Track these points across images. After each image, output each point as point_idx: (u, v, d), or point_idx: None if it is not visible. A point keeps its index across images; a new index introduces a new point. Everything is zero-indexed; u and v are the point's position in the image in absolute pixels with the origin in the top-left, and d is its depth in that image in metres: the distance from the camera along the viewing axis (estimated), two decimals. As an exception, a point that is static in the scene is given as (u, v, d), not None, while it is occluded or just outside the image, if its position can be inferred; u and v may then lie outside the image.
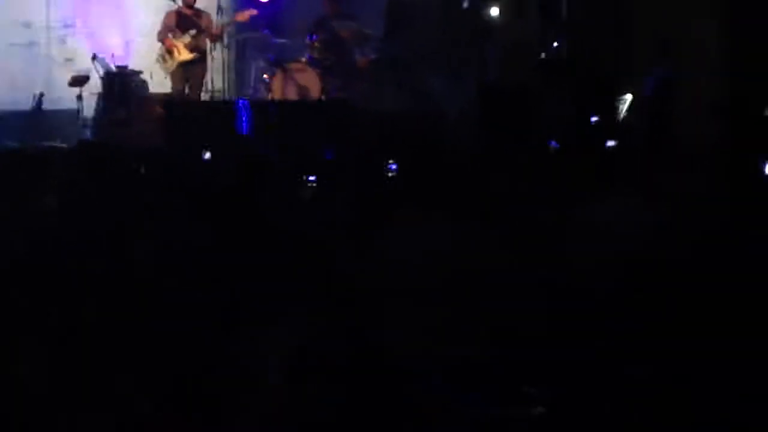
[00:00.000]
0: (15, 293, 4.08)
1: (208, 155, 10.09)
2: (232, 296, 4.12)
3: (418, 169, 5.50)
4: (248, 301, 4.07)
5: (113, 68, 14.37)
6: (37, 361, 3.60)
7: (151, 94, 14.62)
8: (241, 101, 13.04)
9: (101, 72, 14.28)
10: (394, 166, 6.26)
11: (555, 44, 13.10)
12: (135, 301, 4.03)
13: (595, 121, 11.00)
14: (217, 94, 14.77)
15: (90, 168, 6.72)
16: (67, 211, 5.70)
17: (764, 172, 6.71)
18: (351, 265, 4.30)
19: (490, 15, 14.28)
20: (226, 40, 14.80)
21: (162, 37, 14.16)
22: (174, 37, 14.02)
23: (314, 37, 14.28)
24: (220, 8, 14.80)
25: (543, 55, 13.20)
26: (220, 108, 13.62)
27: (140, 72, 14.65)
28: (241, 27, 14.95)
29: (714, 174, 6.26)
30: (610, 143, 9.44)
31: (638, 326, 3.94)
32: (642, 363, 3.75)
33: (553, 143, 8.99)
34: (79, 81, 14.23)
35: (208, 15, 14.34)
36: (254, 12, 14.47)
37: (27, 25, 15.48)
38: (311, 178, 7.23)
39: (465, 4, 14.20)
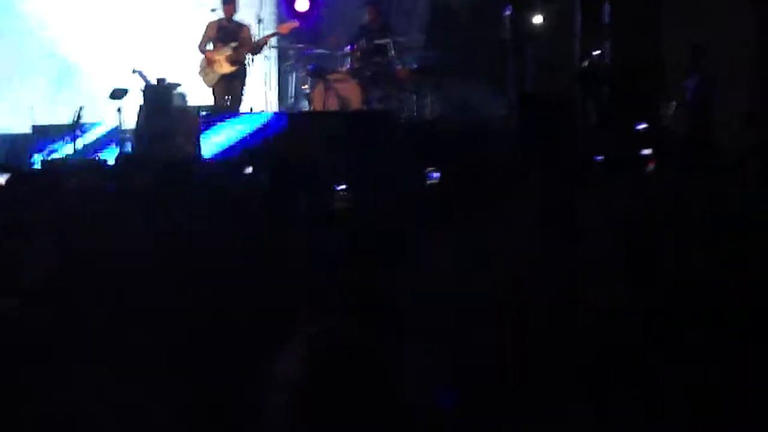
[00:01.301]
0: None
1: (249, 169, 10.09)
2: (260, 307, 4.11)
3: (458, 178, 5.48)
4: (281, 312, 4.06)
5: (153, 81, 14.41)
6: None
7: (191, 106, 14.69)
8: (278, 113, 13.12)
9: (141, 85, 14.32)
10: (435, 175, 6.25)
11: (596, 52, 13.05)
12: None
13: (637, 129, 10.95)
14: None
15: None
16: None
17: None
18: (392, 274, 4.29)
19: (530, 24, 14.26)
20: (266, 51, 14.82)
21: (203, 49, 14.18)
22: (215, 49, 14.03)
23: (353, 47, 14.30)
24: (260, 20, 14.82)
25: (584, 63, 13.16)
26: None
27: (179, 84, 14.70)
28: (282, 38, 14.96)
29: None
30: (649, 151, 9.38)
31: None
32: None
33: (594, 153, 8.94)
34: (119, 94, 14.28)
35: (248, 27, 14.34)
36: (296, 24, 14.47)
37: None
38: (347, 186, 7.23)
39: (505, 14, 14.17)
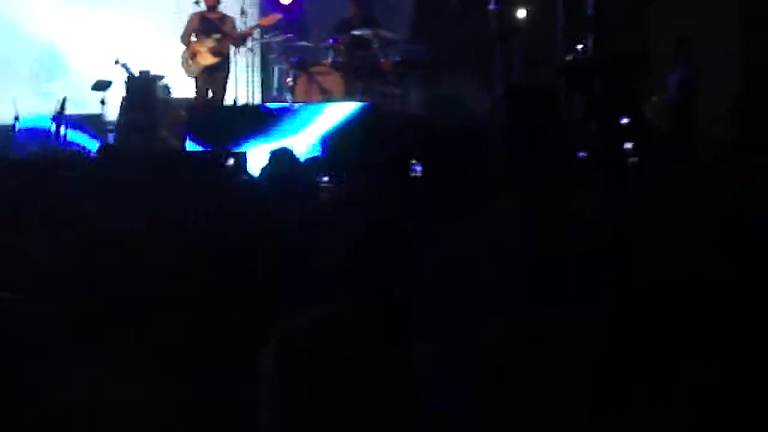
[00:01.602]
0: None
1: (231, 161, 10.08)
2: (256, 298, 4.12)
3: (442, 171, 5.48)
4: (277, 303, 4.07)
5: (136, 72, 14.37)
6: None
7: (175, 98, 14.68)
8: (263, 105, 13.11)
9: (124, 76, 14.29)
10: (418, 168, 6.26)
11: (579, 46, 13.09)
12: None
13: (620, 123, 10.99)
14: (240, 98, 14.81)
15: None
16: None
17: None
18: (380, 269, 4.29)
19: (515, 17, 14.29)
20: (249, 43, 14.80)
21: (186, 41, 14.15)
22: (198, 40, 14.01)
23: (337, 39, 14.29)
24: (244, 12, 14.81)
25: (568, 57, 13.20)
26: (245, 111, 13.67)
27: (162, 76, 14.69)
28: (265, 30, 14.92)
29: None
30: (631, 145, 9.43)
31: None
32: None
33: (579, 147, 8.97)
34: (103, 85, 14.26)
35: (232, 19, 14.31)
36: (279, 16, 14.46)
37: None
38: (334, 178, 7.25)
39: (490, 7, 14.19)
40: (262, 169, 6.85)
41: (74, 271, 4.18)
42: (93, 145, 13.42)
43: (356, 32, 14.17)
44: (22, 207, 5.75)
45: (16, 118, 14.15)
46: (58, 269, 4.23)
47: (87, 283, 4.03)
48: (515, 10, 14.32)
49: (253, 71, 15.32)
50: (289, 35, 14.83)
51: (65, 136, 13.67)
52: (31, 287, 4.00)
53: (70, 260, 4.35)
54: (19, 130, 13.94)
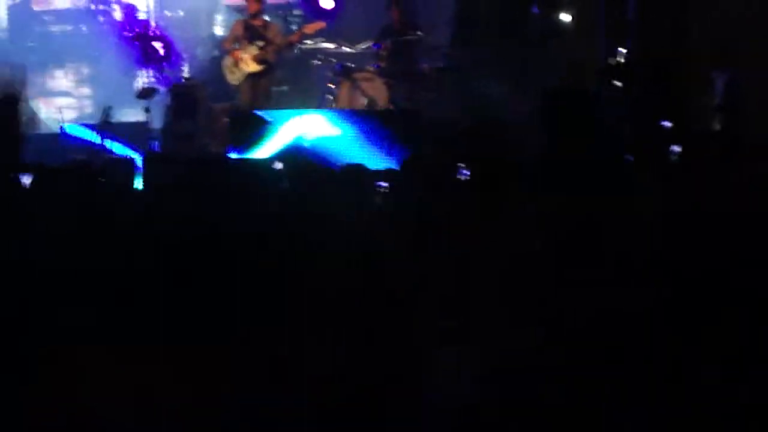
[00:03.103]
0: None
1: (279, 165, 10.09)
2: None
3: (485, 175, 5.49)
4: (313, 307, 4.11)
5: (181, 80, 14.47)
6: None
7: (219, 105, 14.75)
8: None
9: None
10: (465, 172, 6.28)
11: (620, 49, 13.03)
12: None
13: (662, 126, 10.94)
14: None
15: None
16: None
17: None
18: (421, 270, 4.32)
19: (556, 21, 14.25)
20: (293, 51, 14.86)
21: (229, 48, 14.22)
22: (241, 47, 14.07)
23: (379, 46, 14.33)
24: (287, 19, 14.87)
25: (609, 60, 13.14)
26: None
27: (207, 83, 14.77)
28: (308, 37, 14.95)
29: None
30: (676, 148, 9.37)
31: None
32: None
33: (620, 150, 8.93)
34: (147, 93, 14.34)
35: (275, 26, 14.38)
36: (323, 25, 14.48)
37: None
38: (382, 184, 7.26)
39: (530, 11, 14.18)
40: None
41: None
42: (137, 154, 13.50)
43: (398, 38, 14.21)
44: (60, 213, 5.81)
45: (62, 127, 14.25)
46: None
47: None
48: (556, 14, 14.29)
49: (295, 78, 15.40)
50: (332, 42, 14.90)
51: (110, 144, 13.75)
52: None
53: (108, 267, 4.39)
54: (64, 139, 14.03)
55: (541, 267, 4.30)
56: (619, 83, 12.54)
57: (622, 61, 13.01)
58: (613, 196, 5.42)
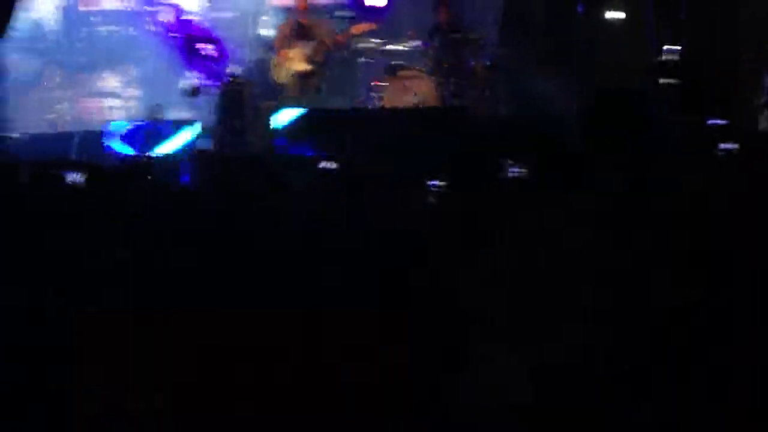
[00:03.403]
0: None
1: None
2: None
3: (534, 172, 5.47)
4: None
5: (229, 79, 14.48)
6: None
7: (267, 103, 14.77)
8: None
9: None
10: (515, 170, 6.26)
11: (670, 47, 12.95)
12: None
13: (713, 125, 10.86)
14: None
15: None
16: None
17: None
18: (473, 269, 4.30)
19: (605, 19, 14.18)
20: (341, 50, 14.87)
21: (278, 47, 14.25)
22: (290, 47, 14.09)
23: (427, 44, 14.32)
24: (335, 18, 14.88)
25: (658, 58, 13.06)
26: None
27: (254, 81, 14.79)
28: (356, 37, 14.94)
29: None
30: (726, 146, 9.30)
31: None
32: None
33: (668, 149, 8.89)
34: (195, 92, 14.38)
35: (323, 25, 14.39)
36: (372, 26, 14.47)
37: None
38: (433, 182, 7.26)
39: (578, 8, 14.11)
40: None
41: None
42: (184, 151, 13.54)
43: (446, 37, 14.19)
44: (113, 212, 5.83)
45: (109, 125, 14.32)
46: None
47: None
48: (604, 12, 14.22)
49: (342, 75, 15.41)
50: (379, 39, 14.90)
51: (157, 142, 13.80)
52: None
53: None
54: (111, 137, 14.09)
55: (595, 263, 4.29)
56: (668, 81, 12.47)
57: (672, 59, 12.94)
58: (664, 193, 5.38)
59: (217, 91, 14.43)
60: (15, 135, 14.37)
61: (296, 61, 14.04)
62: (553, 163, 5.46)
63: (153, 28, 16.30)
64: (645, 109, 11.14)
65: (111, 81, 16.65)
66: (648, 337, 3.91)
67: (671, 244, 4.70)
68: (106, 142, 14.00)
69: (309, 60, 14.02)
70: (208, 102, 14.44)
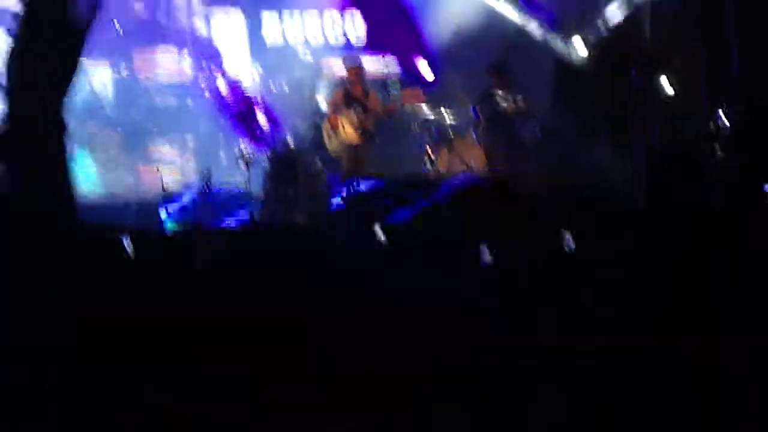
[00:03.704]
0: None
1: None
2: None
3: (590, 239, 5.45)
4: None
5: (281, 147, 14.55)
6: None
7: (318, 171, 14.80)
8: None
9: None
10: (568, 238, 6.24)
11: (723, 113, 12.89)
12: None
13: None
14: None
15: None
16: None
17: None
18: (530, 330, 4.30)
19: (657, 84, 14.16)
20: (392, 118, 14.91)
21: (329, 116, 14.31)
22: (341, 115, 14.14)
23: (478, 111, 14.33)
24: (386, 86, 14.94)
25: (711, 124, 13.00)
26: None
27: (306, 148, 14.85)
28: (407, 105, 14.97)
29: None
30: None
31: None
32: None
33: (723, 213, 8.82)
34: (247, 160, 14.43)
35: (374, 94, 14.43)
36: (421, 93, 14.51)
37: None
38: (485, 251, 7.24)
39: (630, 75, 14.11)
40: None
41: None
42: (236, 219, 13.58)
43: (497, 105, 14.20)
44: (159, 281, 5.84)
45: (164, 194, 14.39)
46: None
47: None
48: (656, 77, 14.20)
49: (392, 142, 15.45)
50: (430, 107, 14.93)
51: (209, 209, 13.85)
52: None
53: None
54: (165, 205, 14.15)
55: (654, 323, 4.29)
56: (721, 146, 12.40)
57: (724, 123, 12.87)
58: (722, 256, 5.35)
59: (270, 160, 14.49)
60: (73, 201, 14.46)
61: (347, 130, 14.08)
62: (607, 228, 5.43)
63: (208, 98, 16.47)
64: (699, 174, 11.09)
65: (166, 149, 16.80)
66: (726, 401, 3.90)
67: (730, 307, 4.69)
68: (160, 210, 14.07)
69: (359, 128, 14.05)
70: (261, 170, 14.49)
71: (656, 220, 7.11)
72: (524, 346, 4.21)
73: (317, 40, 17.59)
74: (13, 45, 1.43)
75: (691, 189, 9.65)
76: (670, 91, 14.20)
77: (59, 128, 1.49)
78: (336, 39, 17.60)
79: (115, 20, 16.22)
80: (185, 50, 17.24)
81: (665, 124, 14.12)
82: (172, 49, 17.32)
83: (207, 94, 16.72)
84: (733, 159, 12.08)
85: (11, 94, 1.44)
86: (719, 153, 12.14)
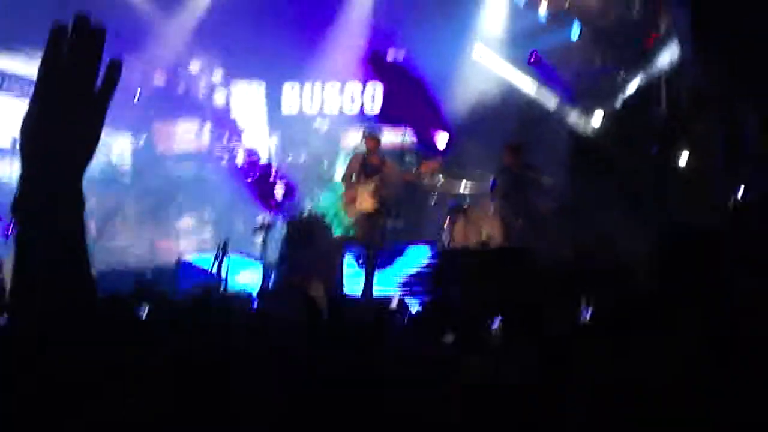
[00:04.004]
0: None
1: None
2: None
3: (605, 313, 5.43)
4: None
5: (298, 215, 14.62)
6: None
7: (335, 239, 14.84)
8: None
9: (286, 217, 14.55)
10: (587, 312, 6.22)
11: (741, 187, 12.90)
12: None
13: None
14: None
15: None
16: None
17: None
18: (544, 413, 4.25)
19: (674, 160, 14.18)
20: (409, 188, 14.97)
21: (347, 183, 14.35)
22: (358, 183, 14.19)
23: (495, 184, 14.37)
24: (404, 156, 15.01)
25: (730, 200, 13.00)
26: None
27: (323, 217, 14.91)
28: (424, 175, 15.03)
29: None
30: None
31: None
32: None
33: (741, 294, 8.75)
34: (264, 228, 14.49)
35: (392, 163, 14.49)
36: (439, 163, 14.56)
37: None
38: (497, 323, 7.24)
39: (649, 150, 14.15)
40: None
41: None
42: (253, 286, 13.60)
43: (514, 177, 14.24)
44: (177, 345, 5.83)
45: (181, 261, 14.43)
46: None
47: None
48: (674, 153, 14.23)
49: (411, 214, 15.49)
50: (446, 178, 14.98)
51: (226, 277, 13.87)
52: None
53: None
54: (182, 272, 14.19)
55: (671, 397, 4.24)
56: (739, 222, 12.39)
57: (741, 200, 12.87)
58: (747, 332, 5.31)
59: (286, 228, 14.54)
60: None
61: (364, 198, 14.12)
62: (625, 303, 5.40)
63: (226, 167, 16.58)
64: (716, 251, 11.05)
65: (186, 221, 16.89)
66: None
67: (751, 390, 4.64)
68: (177, 278, 14.11)
69: (376, 197, 14.08)
70: (278, 238, 14.54)
71: (673, 295, 7.06)
72: (543, 422, 4.17)
73: (337, 111, 17.76)
74: (29, 112, 1.46)
75: (709, 264, 9.61)
76: (687, 164, 14.22)
77: (76, 199, 1.49)
78: (355, 110, 17.77)
79: (137, 90, 16.39)
80: (204, 121, 17.41)
81: (683, 197, 14.10)
82: (192, 120, 17.50)
83: (225, 163, 16.83)
84: (753, 232, 12.06)
85: (26, 163, 1.45)
86: (738, 226, 12.13)
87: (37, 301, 1.79)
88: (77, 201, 1.79)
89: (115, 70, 1.75)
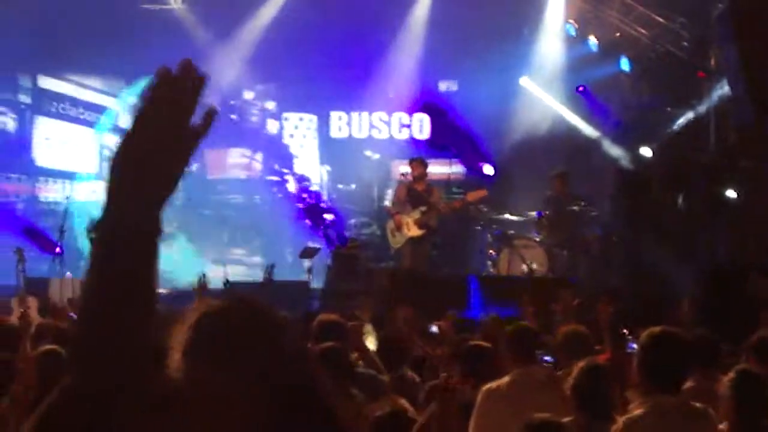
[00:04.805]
0: None
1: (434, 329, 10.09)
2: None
3: (648, 348, 5.46)
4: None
5: (344, 242, 14.71)
6: None
7: (379, 266, 14.88)
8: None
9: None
10: (632, 345, 6.27)
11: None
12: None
13: None
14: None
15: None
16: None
17: None
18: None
19: (723, 196, 14.15)
20: (455, 216, 15.01)
21: (393, 211, 14.39)
22: (404, 211, 14.21)
23: (541, 214, 14.40)
24: (449, 185, 15.06)
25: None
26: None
27: (368, 245, 14.98)
28: (471, 204, 15.05)
29: None
30: None
31: None
32: None
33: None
34: (310, 252, 14.58)
35: (438, 191, 14.51)
36: (485, 193, 14.53)
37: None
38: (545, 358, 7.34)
39: (696, 185, 14.15)
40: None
41: None
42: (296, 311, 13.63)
43: (561, 208, 14.26)
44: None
45: (226, 284, 14.51)
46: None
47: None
48: (723, 189, 14.20)
49: (457, 243, 15.54)
50: (493, 208, 15.03)
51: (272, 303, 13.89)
52: None
53: None
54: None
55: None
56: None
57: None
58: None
59: (332, 254, 14.62)
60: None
61: (410, 226, 14.13)
62: (666, 339, 5.45)
63: (278, 197, 16.72)
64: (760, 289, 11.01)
65: (236, 251, 17.03)
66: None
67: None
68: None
69: (422, 225, 14.09)
70: (325, 265, 14.61)
71: (716, 334, 7.08)
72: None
73: (386, 140, 17.89)
74: (125, 143, 1.53)
75: (753, 304, 9.60)
76: (735, 200, 14.19)
77: (156, 229, 1.57)
78: (404, 138, 17.91)
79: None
80: (257, 150, 17.59)
81: (730, 234, 14.09)
82: (244, 148, 17.69)
83: (276, 190, 16.97)
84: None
85: (115, 188, 1.53)
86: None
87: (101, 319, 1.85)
88: (157, 231, 1.90)
89: (211, 115, 1.87)
